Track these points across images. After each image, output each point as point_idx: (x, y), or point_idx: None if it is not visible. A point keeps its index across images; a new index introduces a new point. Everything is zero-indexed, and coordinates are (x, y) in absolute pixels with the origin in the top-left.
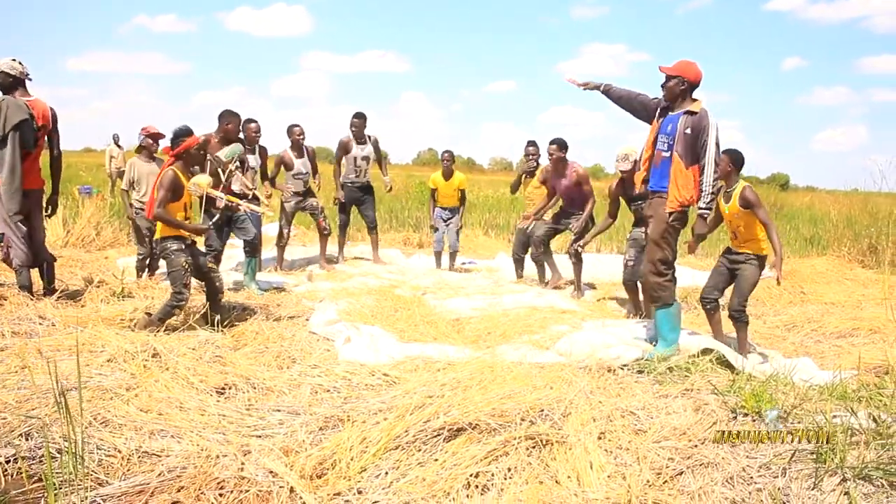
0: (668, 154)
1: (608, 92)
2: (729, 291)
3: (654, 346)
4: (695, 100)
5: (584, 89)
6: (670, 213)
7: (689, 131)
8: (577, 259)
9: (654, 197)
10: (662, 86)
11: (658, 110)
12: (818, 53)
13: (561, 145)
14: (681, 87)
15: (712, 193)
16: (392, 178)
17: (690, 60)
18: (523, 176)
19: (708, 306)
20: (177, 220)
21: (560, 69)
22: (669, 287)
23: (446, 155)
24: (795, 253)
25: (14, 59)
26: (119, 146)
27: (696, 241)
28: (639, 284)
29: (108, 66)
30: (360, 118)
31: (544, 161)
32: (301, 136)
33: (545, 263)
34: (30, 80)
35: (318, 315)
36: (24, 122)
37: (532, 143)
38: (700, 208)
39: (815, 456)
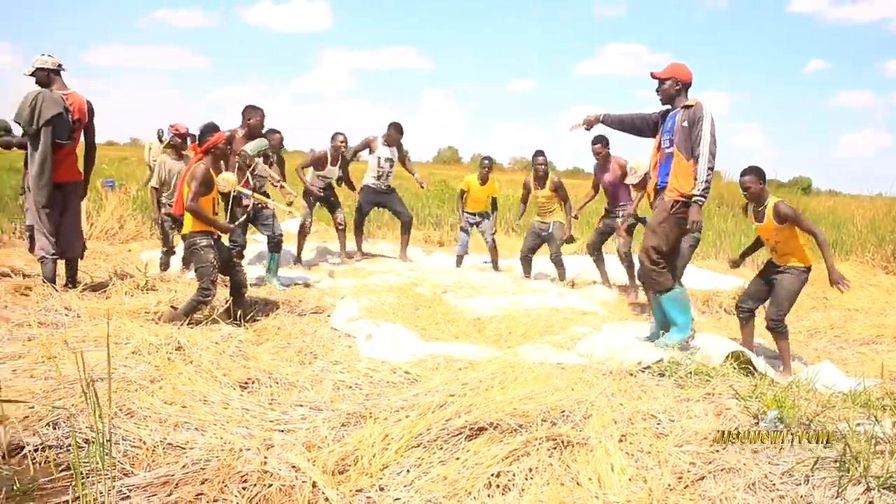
0: (670, 150)
1: (607, 121)
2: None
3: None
4: (689, 98)
5: (588, 128)
6: (672, 204)
7: (685, 124)
8: (599, 258)
9: (662, 192)
10: (657, 90)
11: (659, 117)
12: (841, 56)
13: (604, 142)
14: (675, 88)
15: (706, 182)
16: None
17: (680, 62)
18: (534, 187)
19: (741, 315)
20: (209, 216)
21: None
22: (664, 273)
23: (486, 162)
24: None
25: (44, 54)
26: (161, 142)
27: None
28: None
29: (127, 59)
30: (398, 130)
31: (552, 165)
32: (343, 144)
33: (597, 266)
34: (64, 70)
35: (339, 311)
36: (58, 117)
37: (540, 153)
38: (694, 195)
39: (838, 464)
